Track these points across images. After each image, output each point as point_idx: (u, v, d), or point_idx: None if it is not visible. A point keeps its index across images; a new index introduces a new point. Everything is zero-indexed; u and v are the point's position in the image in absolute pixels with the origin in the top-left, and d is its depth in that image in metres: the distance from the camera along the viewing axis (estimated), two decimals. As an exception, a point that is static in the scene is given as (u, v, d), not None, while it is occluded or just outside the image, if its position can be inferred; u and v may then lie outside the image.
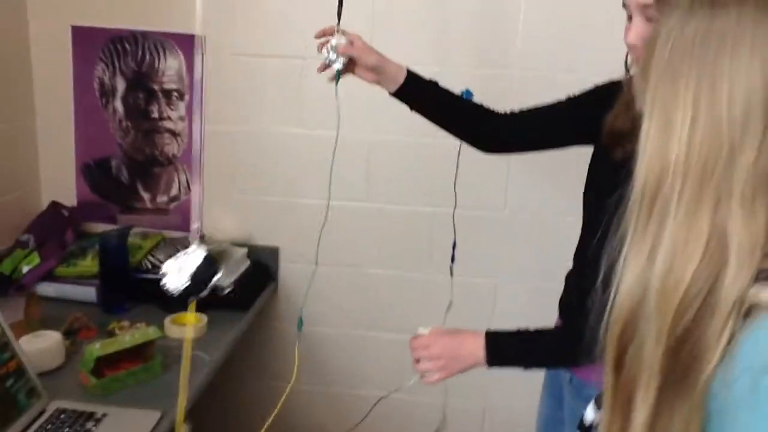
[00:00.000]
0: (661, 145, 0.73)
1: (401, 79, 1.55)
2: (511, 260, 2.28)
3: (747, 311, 0.68)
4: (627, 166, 1.21)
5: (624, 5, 1.29)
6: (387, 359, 2.35)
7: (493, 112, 1.64)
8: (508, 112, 1.63)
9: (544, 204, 2.21)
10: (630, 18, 1.28)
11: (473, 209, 2.22)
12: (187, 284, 0.83)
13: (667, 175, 0.72)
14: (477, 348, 1.42)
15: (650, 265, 0.72)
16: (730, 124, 0.70)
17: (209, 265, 0.83)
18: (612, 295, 0.77)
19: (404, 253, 2.30)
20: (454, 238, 2.27)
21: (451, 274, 2.28)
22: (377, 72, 1.54)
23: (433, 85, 1.60)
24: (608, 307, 0.79)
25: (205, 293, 0.85)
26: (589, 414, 0.91)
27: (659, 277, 0.71)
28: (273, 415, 1.98)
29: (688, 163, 0.71)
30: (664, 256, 0.71)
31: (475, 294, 2.30)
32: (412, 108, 1.59)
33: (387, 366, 2.36)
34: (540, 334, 1.43)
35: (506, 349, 1.44)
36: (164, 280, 0.85)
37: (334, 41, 1.51)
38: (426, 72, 2.12)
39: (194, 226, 0.86)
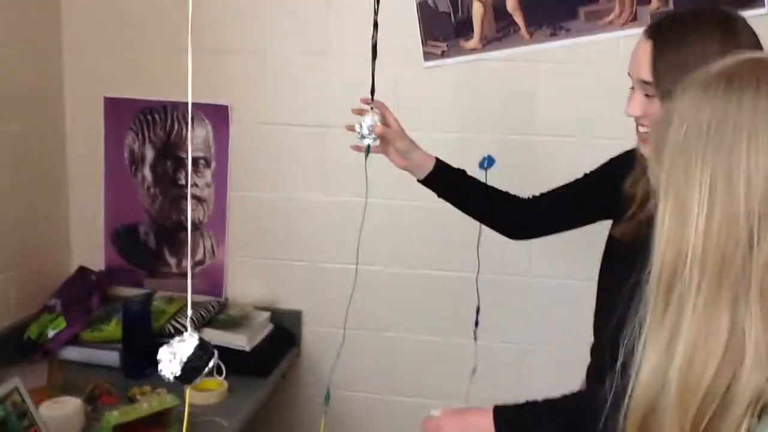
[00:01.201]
0: (677, 232, 0.72)
1: (430, 166, 1.60)
2: (536, 325, 2.25)
3: (761, 410, 0.67)
4: (642, 246, 1.22)
5: (629, 74, 1.31)
6: (412, 424, 2.31)
7: (517, 198, 1.68)
8: (530, 197, 1.67)
9: (568, 269, 2.19)
10: (632, 89, 1.31)
11: (497, 273, 2.20)
12: (180, 373, 0.83)
13: (684, 264, 0.71)
14: (486, 423, 1.40)
15: (669, 358, 0.71)
16: (748, 216, 0.68)
17: (203, 351, 0.83)
18: (631, 381, 0.76)
19: (428, 318, 2.28)
20: (478, 303, 2.26)
21: (475, 339, 2.26)
22: (406, 157, 1.58)
23: (461, 173, 1.65)
24: (627, 393, 0.78)
25: (199, 380, 0.85)
26: None
27: (680, 372, 0.70)
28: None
29: (705, 254, 0.70)
30: (683, 350, 0.70)
31: (500, 359, 2.26)
32: (439, 195, 1.64)
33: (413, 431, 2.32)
34: (550, 406, 1.40)
35: (517, 421, 1.41)
36: (159, 367, 0.85)
37: (368, 119, 1.54)
38: (449, 138, 2.16)
39: (189, 312, 0.87)
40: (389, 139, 1.57)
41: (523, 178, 2.15)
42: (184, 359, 0.81)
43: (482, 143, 2.10)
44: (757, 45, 1.25)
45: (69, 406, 1.70)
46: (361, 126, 1.53)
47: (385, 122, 1.56)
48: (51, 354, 1.97)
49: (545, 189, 2.19)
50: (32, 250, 2.16)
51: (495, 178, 2.07)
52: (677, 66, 1.19)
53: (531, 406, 1.40)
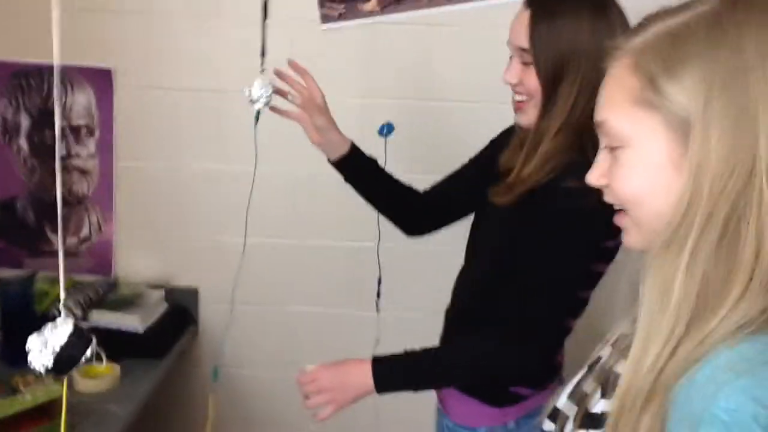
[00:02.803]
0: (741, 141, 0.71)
1: (344, 149, 1.57)
2: (439, 293, 2.24)
3: None
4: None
5: (508, 43, 1.33)
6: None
7: (420, 195, 1.68)
8: (423, 191, 1.68)
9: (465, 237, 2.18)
10: (512, 57, 1.37)
11: (397, 242, 2.17)
12: (52, 363, 0.75)
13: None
14: (364, 375, 1.40)
15: None
16: None
17: (78, 339, 0.75)
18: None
19: (329, 290, 2.24)
20: (380, 273, 2.23)
21: (378, 310, 2.24)
22: (322, 135, 1.55)
23: (373, 163, 1.63)
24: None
25: (75, 370, 0.77)
26: (563, 403, 0.91)
27: None
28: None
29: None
30: None
31: (404, 329, 2.24)
32: (346, 180, 1.62)
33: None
34: (425, 352, 1.42)
35: (393, 372, 1.43)
36: (29, 358, 0.76)
37: (257, 83, 1.46)
38: (348, 104, 2.10)
39: (62, 295, 0.79)
40: (308, 112, 1.53)
41: (422, 145, 2.14)
42: (57, 348, 0.73)
43: (382, 109, 2.06)
44: (626, 24, 1.30)
45: (-60, 401, 1.56)
46: (250, 91, 1.45)
47: (309, 93, 1.52)
48: None
49: (444, 154, 2.19)
50: None
51: (394, 146, 2.05)
52: (551, 36, 1.29)
53: (410, 356, 1.41)
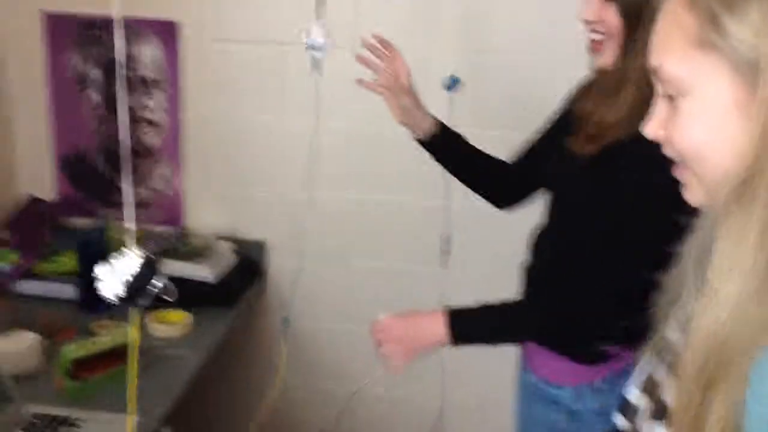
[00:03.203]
0: None
1: (430, 128, 1.55)
2: (506, 253, 2.20)
3: None
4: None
5: None
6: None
7: (510, 167, 1.63)
8: (513, 161, 1.63)
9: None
10: None
11: (467, 200, 2.15)
12: (123, 292, 0.76)
13: None
14: (438, 326, 1.39)
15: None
16: None
17: (148, 269, 0.76)
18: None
19: (395, 246, 2.23)
20: (448, 230, 2.21)
21: (444, 266, 2.22)
22: (408, 114, 1.54)
23: (461, 140, 1.61)
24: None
25: (146, 301, 0.78)
26: (634, 396, 0.85)
27: None
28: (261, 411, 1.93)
29: None
30: None
31: (470, 288, 2.22)
32: (436, 159, 1.61)
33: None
34: (504, 306, 1.40)
35: (468, 324, 1.41)
36: (98, 287, 0.77)
37: (314, 30, 1.44)
38: (414, 58, 2.07)
39: (131, 226, 0.80)
40: (393, 91, 1.52)
41: (488, 99, 2.09)
42: (128, 277, 0.74)
43: (446, 63, 2.02)
44: None
45: (24, 340, 1.62)
46: (308, 36, 1.44)
47: (395, 71, 1.51)
48: (4, 289, 1.88)
49: (512, 108, 2.14)
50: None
51: (460, 100, 2.01)
52: None
53: (485, 309, 1.39)
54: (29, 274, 1.95)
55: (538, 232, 1.55)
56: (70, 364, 1.54)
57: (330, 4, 1.47)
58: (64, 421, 1.44)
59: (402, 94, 1.52)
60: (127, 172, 0.79)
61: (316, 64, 1.50)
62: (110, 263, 0.78)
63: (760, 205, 0.64)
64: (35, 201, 2.12)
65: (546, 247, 1.52)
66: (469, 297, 2.12)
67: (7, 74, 2.14)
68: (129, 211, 0.80)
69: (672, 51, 0.70)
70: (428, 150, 1.59)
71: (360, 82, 1.56)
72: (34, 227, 2.02)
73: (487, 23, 2.07)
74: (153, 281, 0.78)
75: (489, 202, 1.68)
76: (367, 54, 1.56)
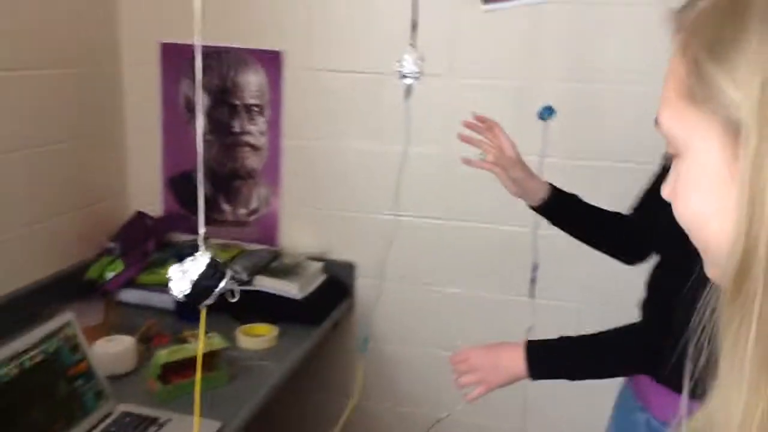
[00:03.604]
0: None
1: (543, 194, 1.53)
2: (596, 284, 2.17)
3: None
4: None
5: None
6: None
7: (627, 219, 1.57)
8: (629, 214, 1.57)
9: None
10: None
11: (555, 228, 2.13)
12: (189, 290, 0.82)
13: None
14: (517, 358, 1.37)
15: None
16: None
17: (214, 271, 0.81)
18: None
19: (480, 274, 2.23)
20: (536, 259, 2.19)
21: (532, 296, 2.20)
22: (520, 185, 1.53)
23: (575, 200, 1.58)
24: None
25: (211, 300, 0.83)
26: None
27: None
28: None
29: None
30: None
31: (557, 318, 2.20)
32: (553, 223, 1.59)
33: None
34: (586, 339, 1.36)
35: (548, 356, 1.38)
36: (169, 286, 0.83)
37: (408, 57, 1.49)
38: (507, 86, 2.09)
39: (201, 231, 0.85)
40: (502, 165, 1.51)
41: (583, 130, 2.08)
42: (194, 277, 0.80)
43: (542, 92, 2.03)
44: None
45: (122, 343, 1.73)
46: (400, 65, 1.48)
47: (500, 147, 1.51)
48: (109, 295, 2.01)
49: (607, 140, 2.11)
50: (92, 194, 2.20)
51: (554, 131, 2.01)
52: None
53: (565, 341, 1.36)
54: (132, 284, 2.08)
55: (652, 268, 1.50)
56: (161, 368, 1.63)
57: (424, 33, 1.51)
58: (153, 421, 1.52)
59: (511, 167, 1.50)
60: (200, 181, 0.85)
61: (408, 91, 1.54)
62: (182, 265, 0.84)
63: (758, 294, 0.53)
64: (142, 216, 2.27)
65: (654, 283, 1.48)
66: (557, 328, 2.10)
67: (126, 99, 2.32)
68: (201, 216, 0.86)
69: (667, 104, 0.62)
70: (544, 215, 1.56)
71: (468, 162, 1.55)
72: (140, 240, 2.15)
73: (585, 54, 2.06)
74: (218, 282, 0.84)
75: (616, 259, 1.61)
76: (468, 132, 1.56)
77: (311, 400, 2.40)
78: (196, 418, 1.01)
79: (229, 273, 0.83)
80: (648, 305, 1.48)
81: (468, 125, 1.54)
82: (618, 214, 1.58)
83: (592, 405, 1.71)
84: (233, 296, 0.83)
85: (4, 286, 1.84)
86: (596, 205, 1.59)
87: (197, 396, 0.91)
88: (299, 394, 2.37)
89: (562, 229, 1.59)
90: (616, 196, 1.63)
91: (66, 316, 1.53)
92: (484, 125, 1.54)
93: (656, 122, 0.64)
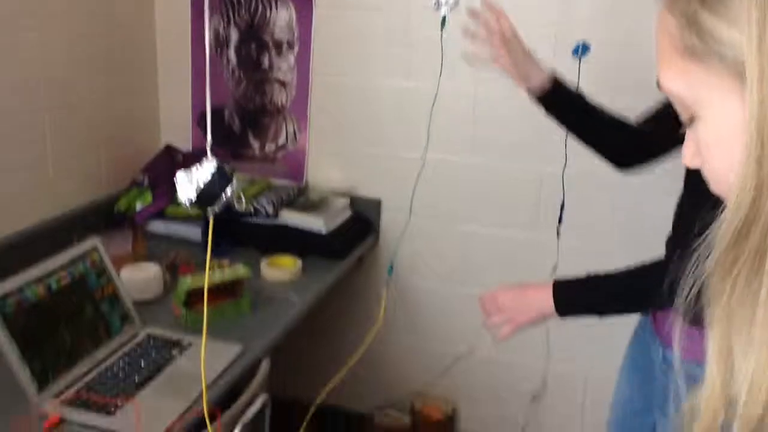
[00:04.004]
0: None
1: (545, 84, 1.50)
2: (623, 225, 2.14)
3: None
4: None
5: None
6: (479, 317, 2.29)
7: (632, 127, 1.54)
8: (637, 123, 1.53)
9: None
10: None
11: (584, 170, 2.11)
12: (197, 196, 0.83)
13: None
14: (545, 297, 1.37)
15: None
16: None
17: (221, 178, 0.82)
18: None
19: (506, 212, 2.22)
20: (563, 199, 2.17)
21: (558, 235, 2.19)
22: (521, 71, 1.50)
23: (579, 97, 1.55)
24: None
25: (218, 208, 0.84)
26: None
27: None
28: (354, 359, 1.99)
29: None
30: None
31: (582, 258, 2.18)
32: (555, 117, 1.55)
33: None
34: (612, 276, 1.34)
35: (576, 294, 1.37)
36: (177, 193, 0.84)
37: None
38: (544, 22, 2.04)
39: (208, 137, 0.87)
40: (504, 49, 1.48)
41: (618, 66, 2.03)
42: (201, 184, 0.81)
43: (576, 28, 1.98)
44: None
45: (149, 271, 1.78)
46: None
47: (501, 29, 1.48)
48: (137, 226, 2.05)
49: (643, 76, 2.06)
50: (123, 127, 2.23)
51: (589, 66, 1.96)
52: None
53: (593, 279, 1.35)
54: (161, 215, 2.12)
55: (678, 203, 1.48)
56: (186, 294, 1.67)
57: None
58: (176, 344, 1.56)
59: (512, 51, 1.48)
60: (207, 84, 0.85)
61: (444, 21, 1.52)
62: (190, 171, 0.85)
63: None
64: (171, 150, 2.30)
65: (681, 220, 1.46)
66: (581, 268, 2.09)
67: (158, 33, 2.33)
68: (209, 124, 0.87)
69: (666, 64, 0.58)
70: (546, 107, 1.53)
71: (468, 58, 1.52)
72: (169, 173, 2.17)
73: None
74: (225, 190, 0.85)
75: (608, 161, 1.59)
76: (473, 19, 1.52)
77: (334, 329, 2.43)
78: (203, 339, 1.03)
79: (235, 180, 0.84)
80: (672, 241, 1.46)
81: (473, 14, 1.50)
82: (622, 119, 1.54)
83: (612, 343, 1.71)
84: (239, 203, 0.85)
85: (35, 215, 1.89)
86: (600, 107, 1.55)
87: (205, 318, 0.92)
88: (322, 323, 2.40)
89: (562, 122, 1.55)
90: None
91: (92, 242, 1.57)
92: (492, 12, 1.49)
93: (658, 85, 0.61)
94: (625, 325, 1.59)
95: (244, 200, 0.85)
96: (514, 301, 1.42)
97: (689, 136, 0.60)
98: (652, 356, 1.48)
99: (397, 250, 2.17)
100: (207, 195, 0.83)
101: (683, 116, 0.60)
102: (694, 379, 1.37)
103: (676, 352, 1.34)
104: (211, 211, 0.86)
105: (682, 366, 1.36)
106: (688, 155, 0.62)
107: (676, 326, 1.24)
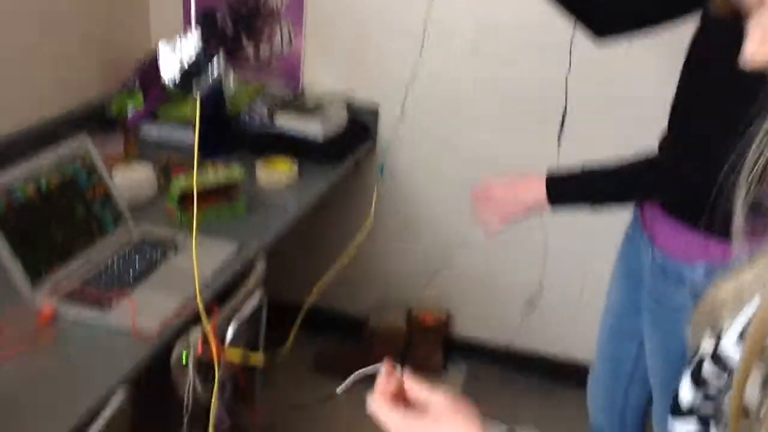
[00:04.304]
0: None
1: None
2: (625, 130, 2.10)
3: None
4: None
5: None
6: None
7: None
8: None
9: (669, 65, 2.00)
10: None
11: (586, 74, 2.05)
12: (181, 70, 0.79)
13: None
14: (537, 187, 1.34)
15: None
16: None
17: (204, 56, 0.78)
18: None
19: (507, 117, 2.18)
20: (565, 104, 2.13)
21: (559, 143, 2.15)
22: None
23: None
24: None
25: (199, 87, 0.80)
26: (686, 394, 0.65)
27: None
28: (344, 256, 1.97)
29: None
30: None
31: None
32: None
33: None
34: (605, 168, 1.32)
35: (569, 187, 1.34)
36: (159, 64, 0.80)
37: None
38: None
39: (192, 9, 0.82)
40: None
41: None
42: (184, 64, 0.77)
43: None
44: None
45: (141, 172, 1.75)
46: None
47: None
48: (129, 129, 2.01)
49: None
50: (113, 29, 2.16)
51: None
52: None
53: (586, 171, 1.33)
54: (152, 118, 2.07)
55: (674, 98, 1.43)
56: (179, 195, 1.65)
57: None
58: (171, 243, 1.55)
59: None
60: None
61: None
62: (173, 42, 0.81)
63: None
64: (164, 53, 2.23)
65: (676, 116, 1.42)
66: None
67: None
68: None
69: None
70: None
71: None
72: (160, 76, 2.12)
73: None
74: (207, 70, 0.81)
75: (587, 28, 1.47)
76: None
77: (329, 234, 2.41)
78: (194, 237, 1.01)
79: (218, 57, 0.80)
80: (678, 126, 1.41)
81: None
82: None
83: (611, 242, 1.69)
84: (221, 81, 0.81)
85: (25, 117, 1.85)
86: None
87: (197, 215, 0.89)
88: (317, 228, 2.38)
89: None
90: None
91: (82, 140, 1.53)
92: None
93: None
94: (623, 223, 1.58)
95: (232, 81, 0.81)
96: (506, 192, 1.40)
97: (756, 23, 0.56)
98: (642, 258, 1.47)
99: (387, 152, 2.13)
100: (189, 72, 0.79)
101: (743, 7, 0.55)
102: (681, 280, 1.36)
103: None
104: (197, 90, 0.83)
105: (672, 264, 1.36)
106: (754, 45, 0.57)
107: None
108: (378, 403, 0.75)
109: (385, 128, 2.25)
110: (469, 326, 2.48)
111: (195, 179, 1.10)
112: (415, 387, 0.76)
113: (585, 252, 2.22)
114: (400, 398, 0.76)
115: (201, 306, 1.23)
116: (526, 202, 1.38)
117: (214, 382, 1.34)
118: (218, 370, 1.32)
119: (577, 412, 2.15)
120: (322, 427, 2.20)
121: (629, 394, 1.65)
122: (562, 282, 2.32)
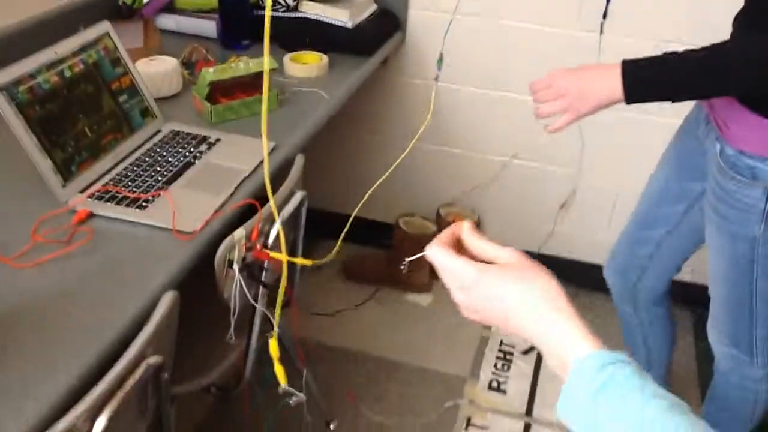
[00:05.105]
0: None
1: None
2: (675, 22, 1.97)
3: None
4: None
5: None
6: (520, 122, 2.17)
7: None
8: None
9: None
10: None
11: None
12: None
13: None
14: (611, 79, 1.20)
15: None
16: None
17: None
18: None
19: (548, 6, 2.03)
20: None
21: (601, 31, 2.03)
22: None
23: None
24: None
25: None
26: None
27: None
28: (394, 165, 1.90)
29: None
30: None
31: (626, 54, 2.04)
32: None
33: (519, 129, 2.20)
34: (689, 54, 1.19)
35: (648, 75, 1.21)
36: None
37: None
38: None
39: None
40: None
41: None
42: None
43: None
44: None
45: (165, 64, 1.63)
46: None
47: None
48: (147, 19, 1.88)
49: None
50: None
51: None
52: None
53: (668, 58, 1.20)
54: (170, 8, 1.94)
55: None
56: (208, 86, 1.54)
57: None
58: (204, 140, 1.45)
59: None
60: None
61: None
62: None
63: None
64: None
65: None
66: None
67: None
68: None
69: None
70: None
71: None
72: (177, -40, 1.97)
73: None
74: None
75: None
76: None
77: (367, 132, 2.32)
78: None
79: None
80: (747, 16, 1.29)
81: None
82: None
83: (645, 166, 1.62)
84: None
85: (36, 7, 1.71)
86: None
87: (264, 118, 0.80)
88: (352, 123, 2.29)
89: None
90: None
91: (104, 26, 1.41)
92: None
93: None
94: (659, 149, 1.50)
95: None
96: (574, 85, 1.25)
97: None
98: (706, 154, 1.38)
99: (444, 42, 1.98)
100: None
101: None
102: (755, 176, 1.27)
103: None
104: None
105: (745, 159, 1.26)
106: None
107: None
108: (443, 252, 0.70)
109: (416, 19, 2.11)
110: (499, 231, 2.41)
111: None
112: (481, 243, 0.71)
113: (619, 168, 2.14)
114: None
115: (271, 196, 1.15)
116: (596, 97, 1.24)
117: (258, 285, 1.28)
118: (265, 270, 1.25)
119: (604, 319, 2.12)
120: (351, 333, 2.16)
121: (644, 278, 1.65)
122: (596, 192, 2.25)
